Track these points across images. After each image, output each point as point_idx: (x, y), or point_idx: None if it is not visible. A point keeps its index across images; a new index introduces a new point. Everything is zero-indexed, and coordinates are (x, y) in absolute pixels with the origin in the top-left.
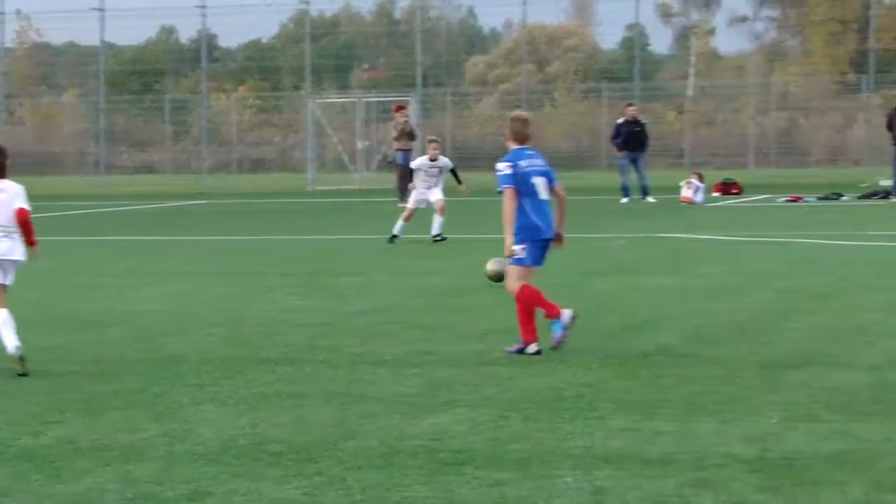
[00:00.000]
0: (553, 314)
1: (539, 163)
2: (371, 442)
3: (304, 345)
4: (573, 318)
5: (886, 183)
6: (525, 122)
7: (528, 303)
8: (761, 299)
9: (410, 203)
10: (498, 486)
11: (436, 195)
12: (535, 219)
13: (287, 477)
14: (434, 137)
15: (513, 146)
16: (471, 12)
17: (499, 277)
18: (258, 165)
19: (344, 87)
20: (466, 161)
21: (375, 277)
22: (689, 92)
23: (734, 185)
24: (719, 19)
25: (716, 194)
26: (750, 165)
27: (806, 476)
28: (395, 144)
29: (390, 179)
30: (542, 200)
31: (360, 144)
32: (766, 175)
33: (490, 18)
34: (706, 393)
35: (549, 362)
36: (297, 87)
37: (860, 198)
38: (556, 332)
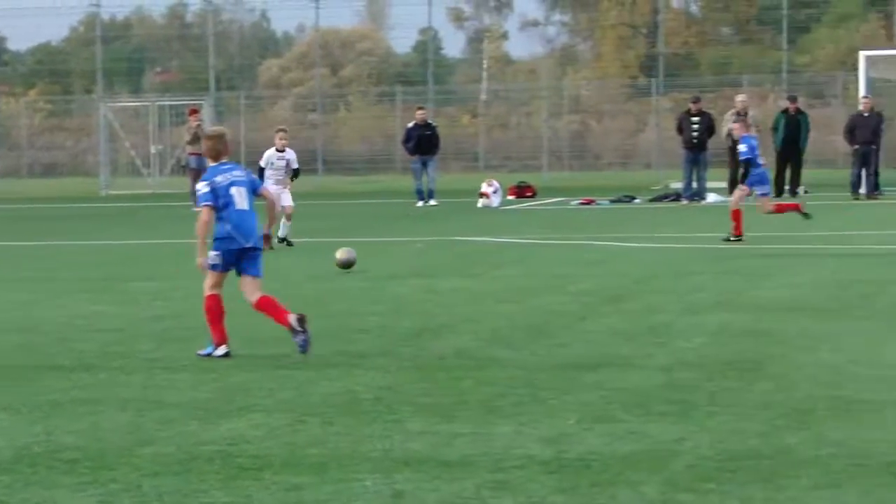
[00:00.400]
0: (217, 340)
1: (238, 174)
2: (168, 448)
3: (98, 351)
4: (223, 355)
5: (677, 185)
6: (218, 138)
7: (208, 312)
8: (557, 301)
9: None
10: (296, 491)
11: (286, 200)
12: (230, 229)
13: (82, 484)
14: (282, 127)
15: (210, 164)
16: (263, 16)
17: (347, 265)
18: (50, 170)
19: (136, 91)
20: None
21: (170, 282)
22: (483, 96)
23: (528, 188)
24: (511, 23)
25: (510, 197)
26: (544, 168)
27: (602, 476)
28: (189, 148)
29: (185, 184)
30: (240, 210)
31: (153, 148)
32: (559, 178)
33: (283, 22)
34: (503, 395)
35: (347, 366)
36: (88, 91)
37: (652, 200)
38: (206, 349)
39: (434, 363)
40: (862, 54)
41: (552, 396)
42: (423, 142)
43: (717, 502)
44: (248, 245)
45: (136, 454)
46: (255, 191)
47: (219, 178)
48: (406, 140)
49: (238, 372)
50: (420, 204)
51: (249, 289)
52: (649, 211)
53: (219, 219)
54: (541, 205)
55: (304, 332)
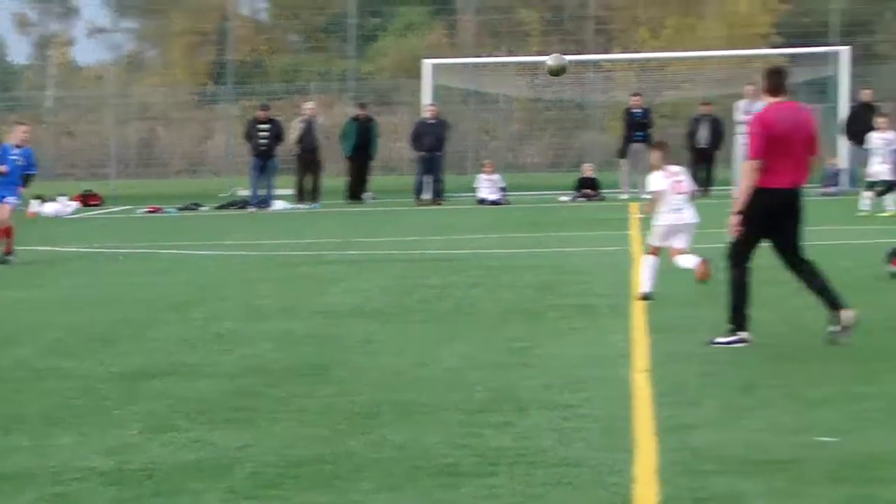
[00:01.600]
0: None
1: None
2: None
3: None
4: None
5: (245, 193)
6: None
7: None
8: (122, 310)
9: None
10: None
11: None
12: None
13: None
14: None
15: None
16: None
17: (560, 71)
18: None
19: None
20: None
21: None
22: (49, 103)
23: (94, 196)
24: (78, 30)
25: (76, 206)
26: (111, 176)
27: (164, 486)
28: None
29: None
30: None
31: None
32: (127, 186)
33: None
34: (64, 406)
35: None
36: None
37: (219, 208)
38: None
39: None
40: (426, 62)
41: (116, 406)
42: None
43: None
44: None
45: None
46: None
47: None
48: None
49: None
50: None
51: None
52: (217, 218)
53: None
54: (107, 213)
55: None
